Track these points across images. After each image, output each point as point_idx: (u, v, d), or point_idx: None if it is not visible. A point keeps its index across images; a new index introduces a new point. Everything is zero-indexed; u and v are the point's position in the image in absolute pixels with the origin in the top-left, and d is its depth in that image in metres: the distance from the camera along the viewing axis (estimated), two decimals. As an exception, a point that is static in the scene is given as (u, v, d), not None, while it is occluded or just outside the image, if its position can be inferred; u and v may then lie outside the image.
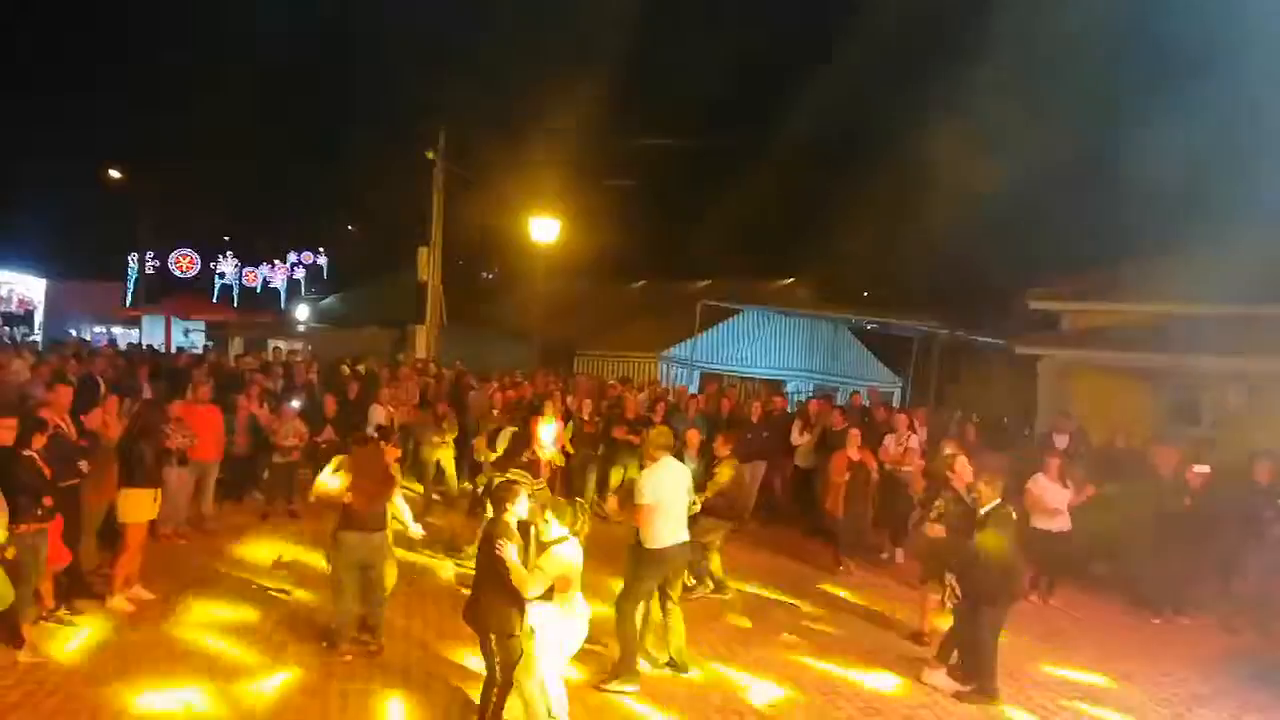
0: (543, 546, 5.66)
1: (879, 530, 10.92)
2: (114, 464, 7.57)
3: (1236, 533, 9.12)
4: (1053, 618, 9.12)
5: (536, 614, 5.50)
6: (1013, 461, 10.53)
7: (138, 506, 7.54)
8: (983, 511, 6.95)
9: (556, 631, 5.55)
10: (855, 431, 10.50)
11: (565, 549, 5.55)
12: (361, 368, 15.90)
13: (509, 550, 5.36)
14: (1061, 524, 9.38)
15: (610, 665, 6.69)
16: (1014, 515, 7.06)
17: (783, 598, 9.18)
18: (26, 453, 6.49)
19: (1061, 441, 11.29)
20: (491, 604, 5.44)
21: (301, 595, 8.07)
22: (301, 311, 41.89)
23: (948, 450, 8.49)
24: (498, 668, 5.47)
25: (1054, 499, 9.37)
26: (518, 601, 5.40)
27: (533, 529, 6.09)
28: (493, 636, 5.45)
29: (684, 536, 6.88)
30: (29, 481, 6.41)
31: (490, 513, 5.96)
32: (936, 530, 7.50)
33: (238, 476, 11.16)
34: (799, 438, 12.05)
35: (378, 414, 12.39)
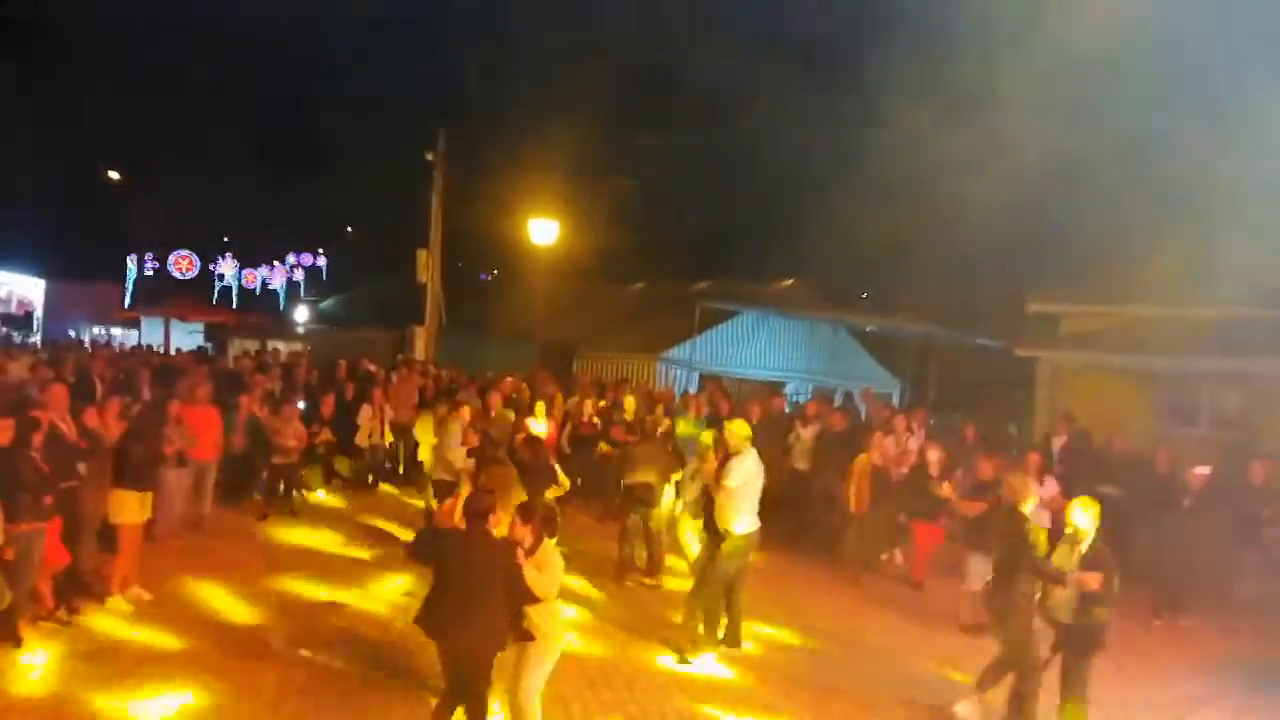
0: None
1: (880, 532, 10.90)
2: (111, 465, 7.56)
3: (1235, 534, 9.12)
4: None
5: (542, 613, 5.35)
6: (1012, 463, 10.54)
7: (129, 508, 7.53)
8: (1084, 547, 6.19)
9: (554, 631, 5.45)
10: (879, 436, 10.52)
11: (551, 544, 5.45)
12: (373, 367, 15.93)
13: (523, 556, 5.23)
14: (1040, 522, 9.37)
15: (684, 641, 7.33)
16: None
17: (784, 593, 9.20)
18: (26, 452, 6.49)
19: (1059, 443, 11.30)
20: (494, 622, 5.19)
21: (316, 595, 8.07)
22: (301, 313, 41.91)
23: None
24: (483, 690, 5.27)
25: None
26: (514, 616, 5.25)
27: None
28: (494, 659, 5.26)
29: (758, 524, 7.49)
30: (28, 481, 6.41)
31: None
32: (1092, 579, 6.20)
33: (236, 477, 11.15)
34: (791, 438, 12.00)
35: (365, 414, 12.40)
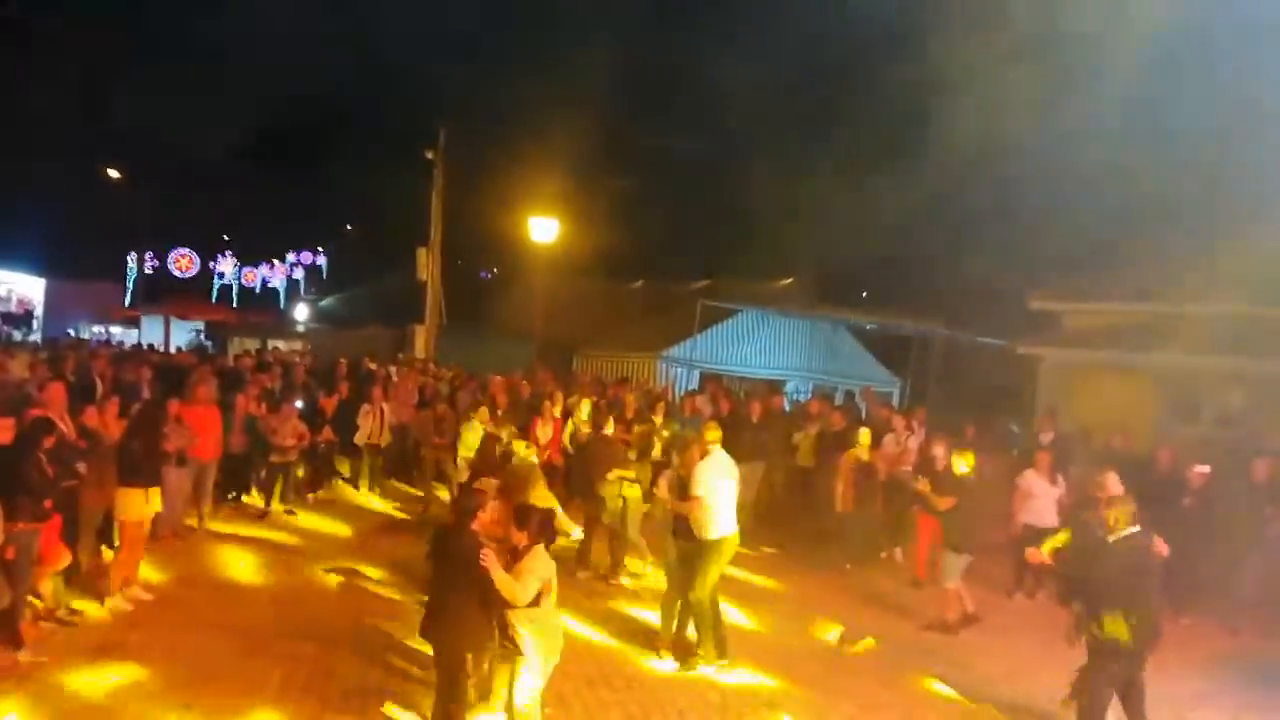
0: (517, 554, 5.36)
1: (878, 529, 10.91)
2: (113, 464, 7.55)
3: (1237, 532, 9.10)
4: (1051, 618, 9.11)
5: (530, 620, 5.25)
6: (1014, 461, 10.56)
7: (134, 505, 7.52)
8: (1111, 540, 5.96)
9: (547, 638, 5.33)
10: (866, 432, 10.54)
11: (540, 550, 5.31)
12: (374, 365, 15.94)
13: (492, 559, 5.09)
14: (1050, 520, 9.46)
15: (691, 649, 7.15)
16: (1150, 546, 5.99)
17: (783, 592, 9.19)
18: (35, 453, 6.47)
19: (1045, 440, 11.30)
20: (467, 619, 5.15)
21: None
22: (301, 311, 41.95)
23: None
24: (472, 689, 5.24)
25: (1043, 494, 9.54)
26: (495, 614, 5.17)
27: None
28: (469, 656, 5.20)
29: (735, 526, 7.22)
30: (33, 481, 6.39)
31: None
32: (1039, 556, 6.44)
33: (234, 476, 11.13)
34: (797, 436, 12.08)
35: (364, 413, 12.39)
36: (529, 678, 5.32)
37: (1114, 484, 7.03)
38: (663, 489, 7.58)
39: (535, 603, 5.22)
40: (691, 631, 7.31)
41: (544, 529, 5.44)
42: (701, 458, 7.16)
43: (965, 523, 8.49)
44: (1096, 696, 5.96)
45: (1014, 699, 6.98)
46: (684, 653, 7.19)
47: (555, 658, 5.44)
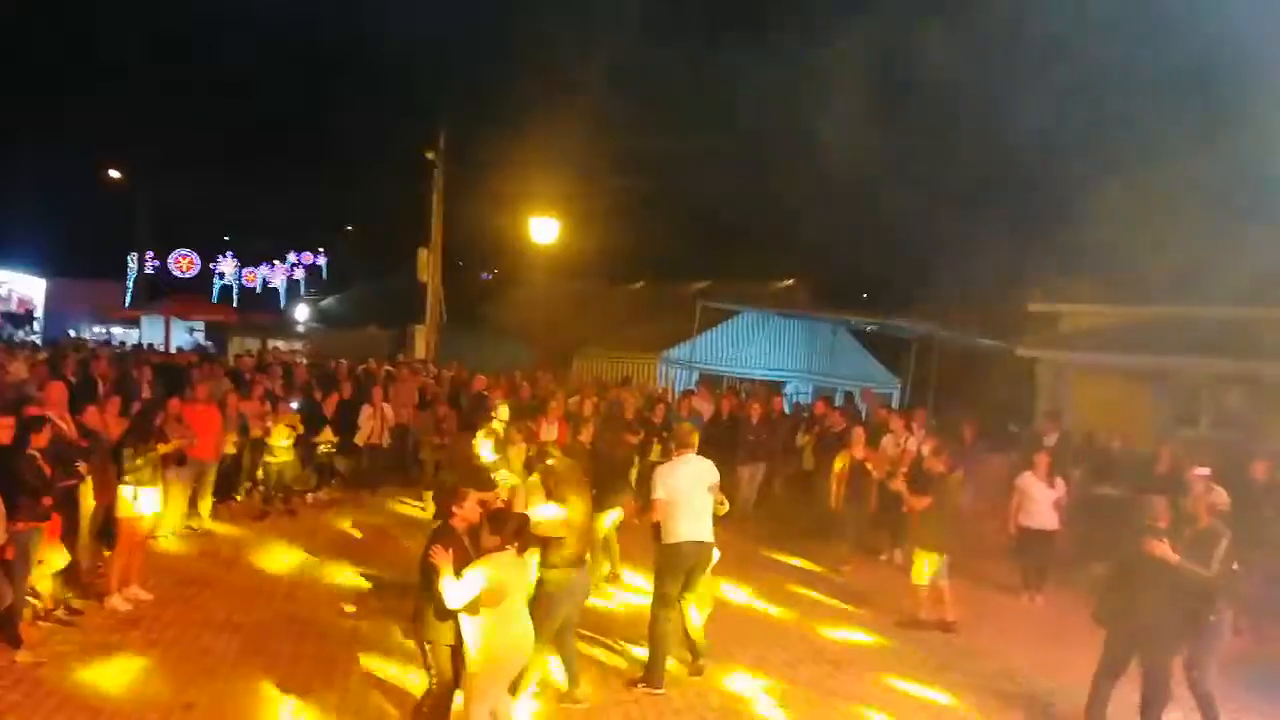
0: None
1: (879, 531, 10.92)
2: (113, 463, 7.55)
3: (1237, 534, 9.08)
4: (1051, 619, 9.13)
5: (470, 627, 5.07)
6: (1013, 463, 10.57)
7: (134, 503, 7.51)
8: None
9: (491, 649, 5.09)
10: (860, 430, 10.56)
11: (501, 557, 5.13)
12: (372, 363, 15.95)
13: (442, 555, 5.00)
14: (1049, 522, 9.50)
15: (642, 667, 6.77)
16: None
17: (783, 594, 9.21)
18: (29, 451, 6.47)
19: (1049, 441, 11.34)
20: (423, 611, 5.17)
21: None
22: (301, 312, 41.96)
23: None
24: (432, 679, 5.21)
25: (1041, 497, 9.54)
26: (450, 610, 5.05)
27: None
28: (427, 646, 5.17)
29: (704, 534, 6.73)
30: (30, 480, 6.39)
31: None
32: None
33: (230, 476, 11.10)
34: (802, 439, 12.14)
35: (365, 414, 12.40)
36: (472, 684, 5.11)
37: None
38: (629, 507, 7.51)
39: (474, 610, 5.02)
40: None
41: (520, 535, 5.28)
42: (668, 460, 6.94)
43: (941, 522, 8.47)
44: (1096, 687, 6.07)
45: (1015, 698, 6.98)
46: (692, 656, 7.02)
47: (502, 674, 5.23)
